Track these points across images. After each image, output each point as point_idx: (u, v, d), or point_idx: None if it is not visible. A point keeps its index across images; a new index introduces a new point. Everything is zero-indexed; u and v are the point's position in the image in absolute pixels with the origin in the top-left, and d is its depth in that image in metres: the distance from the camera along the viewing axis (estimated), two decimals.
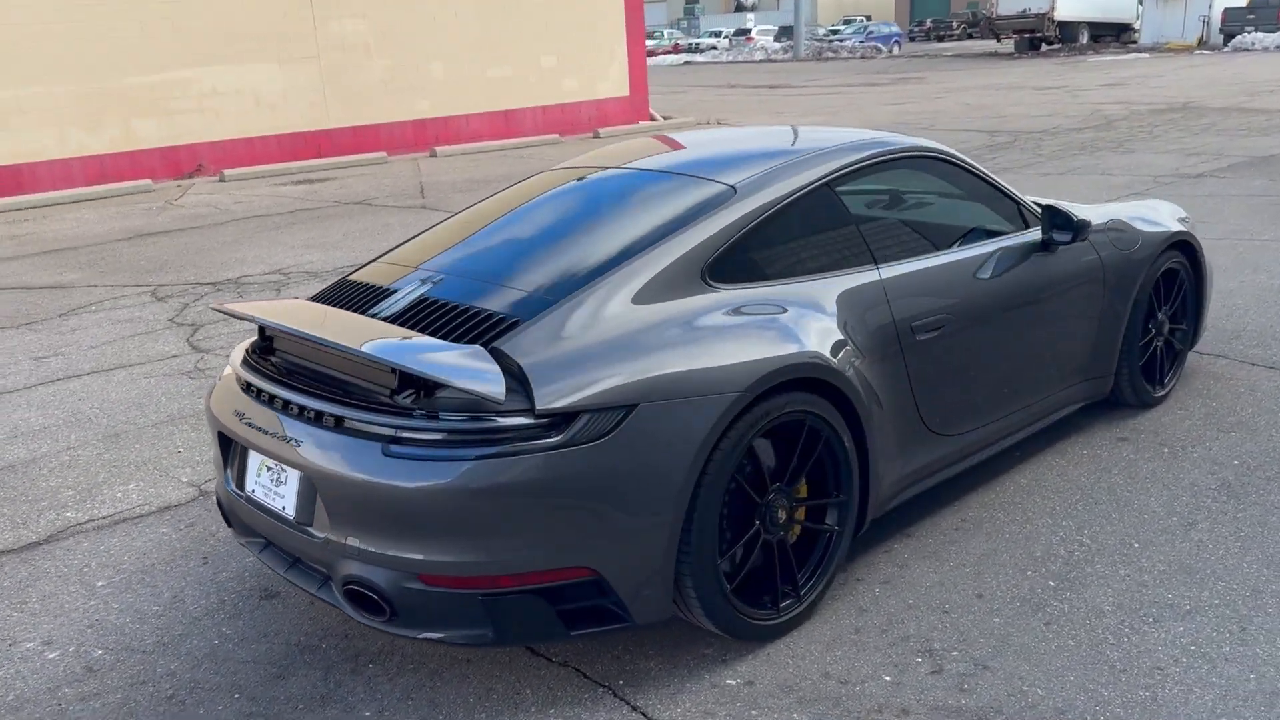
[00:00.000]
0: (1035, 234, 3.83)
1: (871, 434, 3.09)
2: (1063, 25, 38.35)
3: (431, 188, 12.65)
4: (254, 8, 14.17)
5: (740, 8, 74.42)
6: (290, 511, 2.71)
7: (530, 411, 2.49)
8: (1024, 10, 38.03)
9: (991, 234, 3.78)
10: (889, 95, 23.80)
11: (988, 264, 3.61)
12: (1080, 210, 4.29)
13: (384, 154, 15.20)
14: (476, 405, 2.50)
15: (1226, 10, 35.87)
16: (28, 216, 11.86)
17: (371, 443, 2.52)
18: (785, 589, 2.97)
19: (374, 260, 3.42)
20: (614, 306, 2.77)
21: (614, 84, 18.26)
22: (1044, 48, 39.16)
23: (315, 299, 3.18)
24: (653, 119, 18.93)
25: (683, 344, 2.73)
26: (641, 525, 2.57)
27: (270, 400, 2.80)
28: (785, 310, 2.96)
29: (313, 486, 2.62)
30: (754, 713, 2.63)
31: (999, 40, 41.71)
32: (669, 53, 49.17)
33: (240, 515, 2.96)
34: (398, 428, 2.51)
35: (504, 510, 2.47)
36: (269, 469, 2.79)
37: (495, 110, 16.55)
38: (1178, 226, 4.41)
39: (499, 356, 2.58)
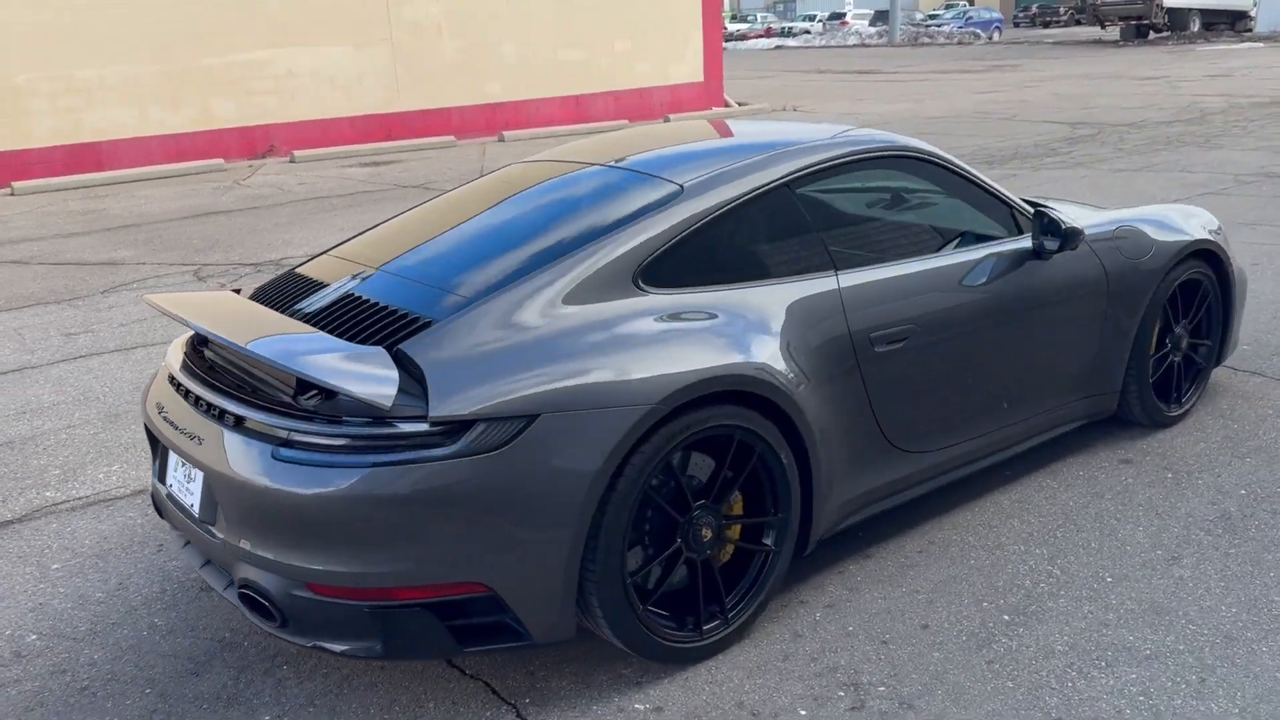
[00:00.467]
0: (1026, 240, 3.59)
1: (815, 450, 2.93)
2: (1172, 12, 36.68)
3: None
4: None
5: None
6: (197, 510, 2.68)
7: (425, 418, 2.41)
8: None
9: (981, 239, 3.56)
10: (978, 83, 23.10)
11: (966, 271, 3.40)
12: (1088, 215, 4.03)
13: (452, 138, 15.30)
14: (380, 410, 2.42)
15: None
16: (104, 193, 12.23)
17: (265, 444, 2.47)
18: (711, 610, 2.84)
19: (323, 252, 3.37)
20: (538, 308, 2.67)
21: (688, 69, 18.06)
22: (1151, 35, 37.54)
23: (256, 291, 3.15)
24: (726, 105, 18.68)
25: (599, 351, 2.61)
26: (540, 541, 2.47)
27: (186, 395, 2.78)
28: (718, 318, 2.81)
29: (212, 486, 2.59)
30: None
31: (1103, 27, 40.14)
32: (761, 36, 48.56)
33: (165, 509, 2.95)
34: (290, 430, 2.45)
35: (394, 521, 2.39)
36: (183, 465, 2.76)
37: (566, 95, 16.51)
38: (1201, 234, 4.10)
39: (402, 359, 2.50)
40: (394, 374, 2.42)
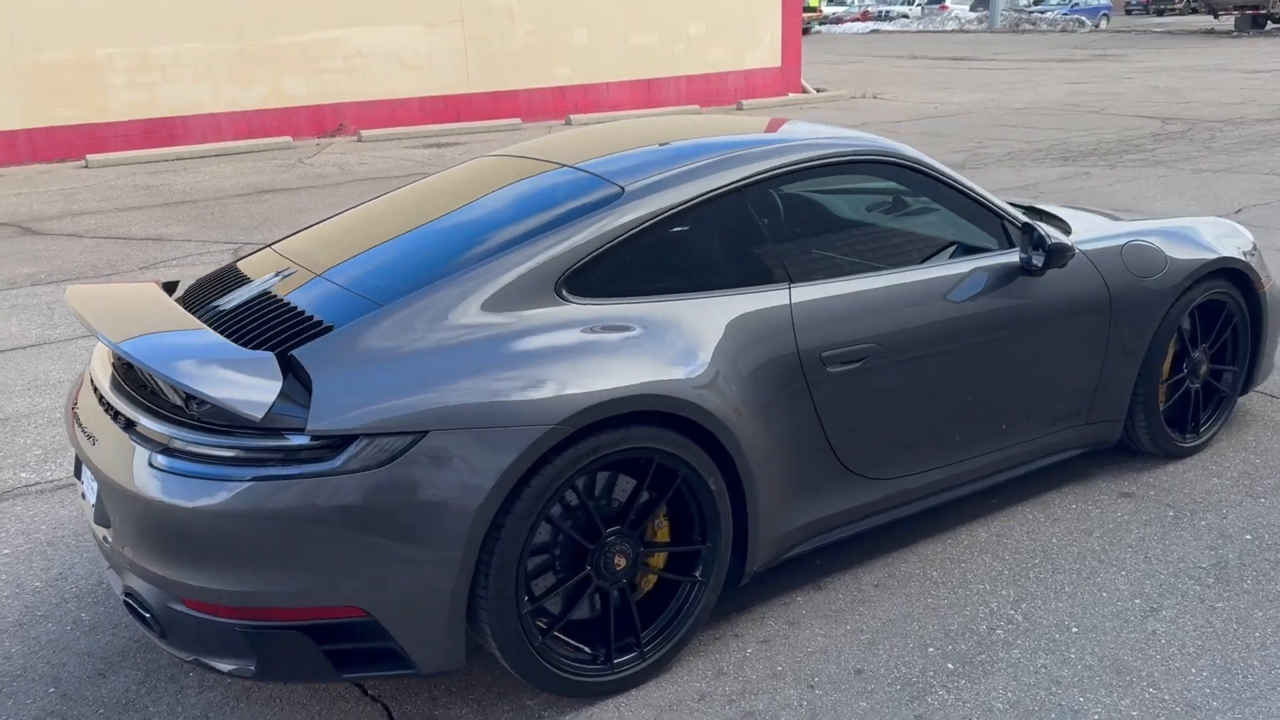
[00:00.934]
0: (1014, 255, 3.32)
1: (751, 477, 2.74)
2: None
3: None
4: None
5: None
6: (93, 513, 2.62)
7: (304, 431, 2.29)
8: None
9: (970, 251, 3.31)
10: (1074, 73, 22.18)
11: (943, 286, 3.15)
12: (1103, 226, 3.73)
13: (519, 120, 15.25)
14: (274, 419, 2.31)
15: None
16: (172, 168, 12.48)
17: (146, 450, 2.38)
18: (627, 643, 2.68)
19: (265, 246, 3.28)
20: (450, 315, 2.52)
21: (765, 54, 17.70)
22: (1269, 26, 35.65)
23: (193, 285, 3.08)
24: (804, 91, 18.28)
25: (506, 365, 2.46)
26: (423, 567, 2.34)
27: (95, 393, 2.72)
28: (645, 332, 2.64)
29: (101, 489, 2.52)
30: None
31: (1216, 17, 38.24)
32: (856, 20, 47.51)
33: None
34: (171, 438, 2.36)
35: (268, 539, 2.28)
36: (86, 465, 2.70)
37: (637, 79, 16.32)
38: (1228, 252, 3.76)
39: (294, 365, 2.39)
40: (274, 383, 2.30)
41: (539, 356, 2.50)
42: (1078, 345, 3.45)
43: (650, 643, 2.70)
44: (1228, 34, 35.06)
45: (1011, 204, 3.94)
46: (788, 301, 2.89)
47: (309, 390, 2.34)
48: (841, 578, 3.16)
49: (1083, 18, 43.03)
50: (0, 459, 4.22)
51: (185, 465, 2.32)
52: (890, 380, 3.03)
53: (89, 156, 12.51)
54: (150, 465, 2.34)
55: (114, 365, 2.77)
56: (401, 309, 2.53)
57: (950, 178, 3.31)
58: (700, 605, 2.76)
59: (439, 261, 2.73)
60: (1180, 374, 3.80)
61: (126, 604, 2.51)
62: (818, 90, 18.67)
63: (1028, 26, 43.03)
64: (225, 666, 2.40)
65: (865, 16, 48.37)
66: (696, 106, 16.63)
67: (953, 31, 43.49)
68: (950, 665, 2.73)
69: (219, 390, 2.25)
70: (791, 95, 18.01)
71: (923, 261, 3.24)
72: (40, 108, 12.52)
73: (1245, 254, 3.83)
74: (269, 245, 3.27)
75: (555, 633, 2.59)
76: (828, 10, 48.10)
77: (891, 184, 3.37)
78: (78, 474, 2.87)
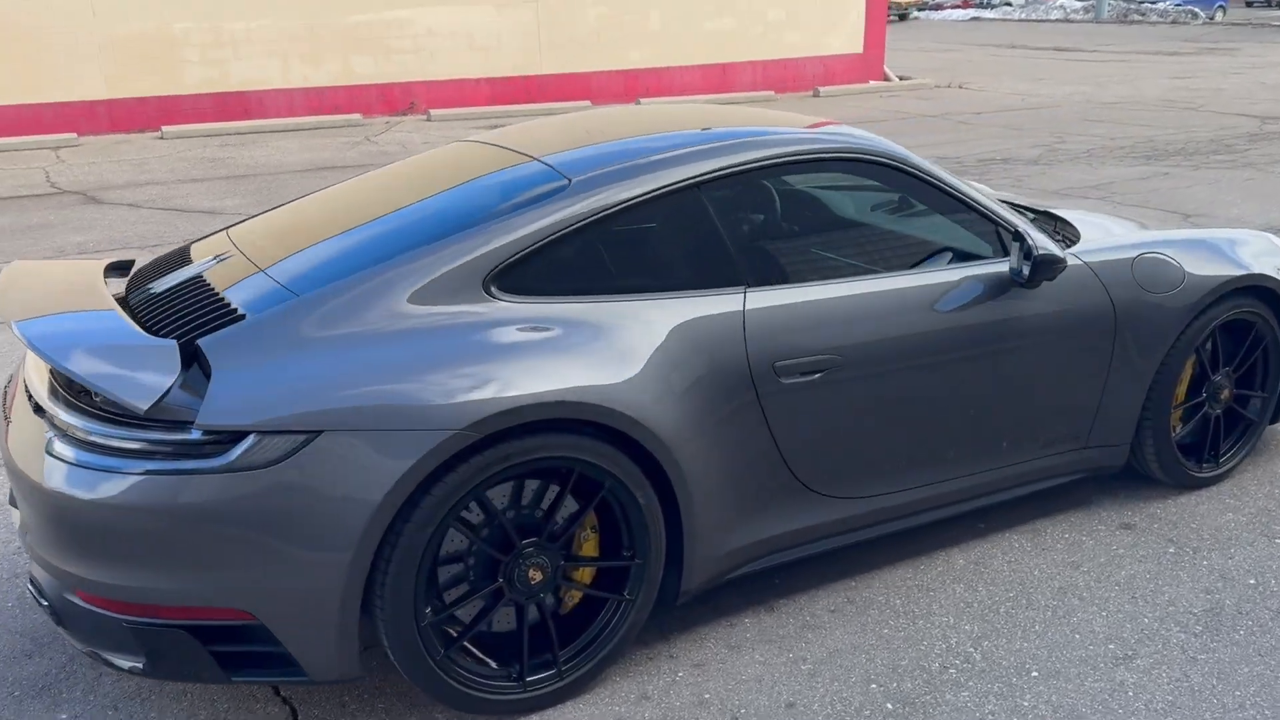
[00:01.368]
0: (1003, 264, 3.08)
1: (687, 491, 2.58)
2: None
3: None
4: None
5: None
6: (8, 493, 2.58)
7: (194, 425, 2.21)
8: None
9: (959, 258, 3.08)
10: (1179, 67, 21.19)
11: (920, 296, 2.94)
12: (1124, 235, 3.45)
13: (588, 103, 15.13)
14: (173, 411, 2.24)
15: None
16: (241, 141, 12.68)
17: (47, 437, 2.33)
18: (545, 660, 2.55)
19: (222, 229, 3.22)
20: (367, 309, 2.41)
21: (845, 39, 17.25)
22: None
23: (144, 266, 3.03)
24: (886, 79, 17.79)
25: (418, 363, 2.34)
26: (313, 572, 2.24)
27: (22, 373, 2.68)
28: (573, 335, 2.49)
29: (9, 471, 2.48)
30: None
31: None
32: (957, 7, 46.24)
33: None
34: (70, 426, 2.30)
35: (156, 535, 2.21)
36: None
37: (710, 64, 16.04)
38: (1260, 268, 3.45)
39: (199, 356, 2.31)
40: (167, 375, 2.22)
41: (455, 356, 2.37)
42: (1077, 364, 3.20)
43: (569, 661, 2.56)
44: None
45: (1021, 207, 3.69)
46: (741, 307, 2.71)
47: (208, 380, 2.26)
48: (797, 600, 2.99)
49: (1196, 9, 41.18)
50: None
51: (82, 455, 2.25)
52: (856, 394, 2.83)
53: (164, 128, 12.78)
54: (49, 453, 2.28)
55: None
56: (319, 300, 2.43)
57: (941, 180, 3.09)
58: (627, 625, 2.62)
59: (372, 252, 2.61)
60: (1199, 398, 3.51)
61: (30, 591, 2.47)
62: (900, 79, 18.15)
63: (1136, 17, 41.38)
64: (119, 661, 2.34)
65: (966, 3, 47.09)
66: (771, 93, 16.31)
67: (1057, 21, 42.05)
68: (890, 705, 2.54)
69: (107, 378, 2.18)
70: (872, 83, 17.54)
71: (903, 268, 3.03)
72: (120, 79, 12.81)
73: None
74: (226, 229, 3.20)
75: (467, 646, 2.48)
76: None
77: (881, 187, 3.16)
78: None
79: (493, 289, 2.52)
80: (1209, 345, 3.47)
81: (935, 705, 2.54)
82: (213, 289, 2.59)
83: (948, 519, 3.23)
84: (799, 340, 2.74)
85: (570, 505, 2.54)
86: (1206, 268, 3.37)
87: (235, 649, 2.31)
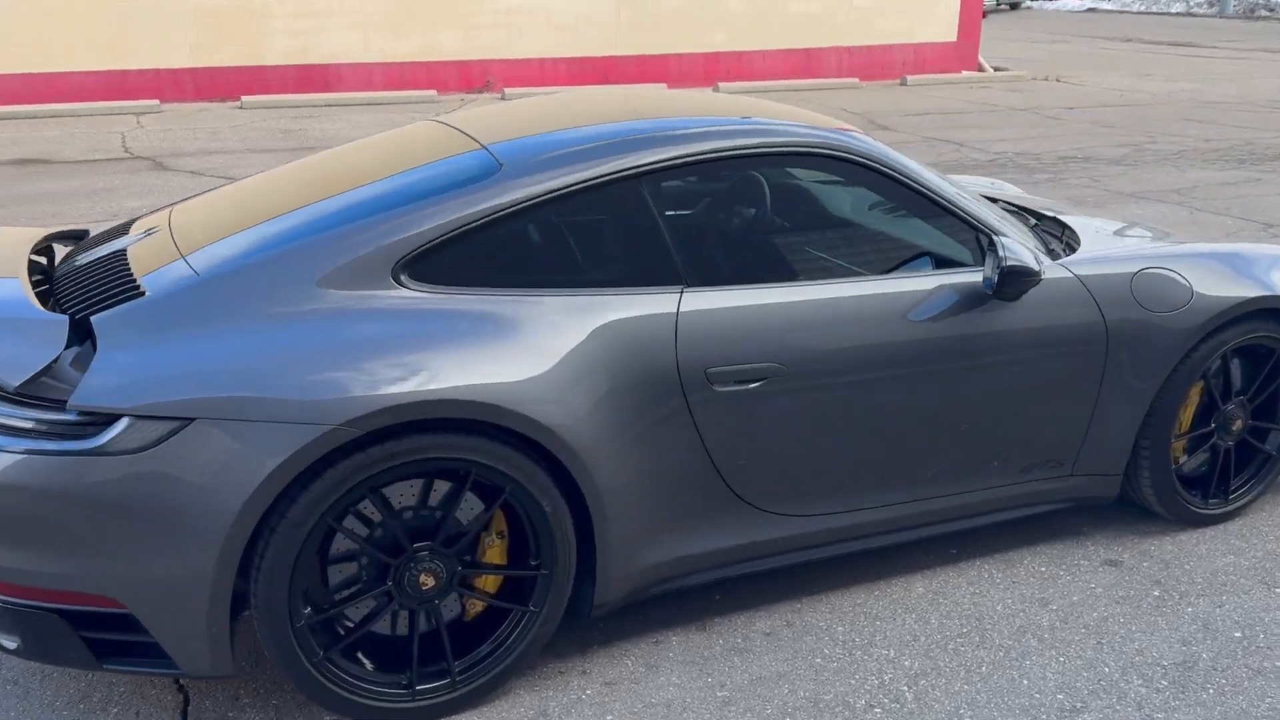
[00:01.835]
0: (977, 274, 2.84)
1: (600, 500, 2.44)
2: None
3: None
4: None
5: None
6: None
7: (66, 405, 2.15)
8: None
9: (937, 265, 2.86)
10: None
11: (881, 306, 2.73)
12: (1134, 246, 3.19)
13: (664, 85, 14.94)
14: (57, 389, 2.19)
15: None
16: (317, 114, 12.84)
17: None
18: (439, 669, 2.44)
19: (178, 202, 3.17)
20: (270, 292, 2.32)
21: (939, 27, 16.68)
22: None
23: (88, 239, 3.00)
24: (980, 69, 17.17)
25: (306, 352, 2.24)
26: (181, 564, 2.17)
27: None
28: (479, 329, 2.36)
29: None
30: None
31: None
32: None
33: None
34: None
35: (28, 515, 2.16)
36: None
37: (794, 48, 15.68)
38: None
39: (90, 333, 2.25)
40: (51, 349, 2.17)
41: (349, 347, 2.27)
42: (1060, 385, 2.94)
43: (465, 672, 2.45)
44: None
45: (1027, 211, 3.43)
46: (675, 309, 2.54)
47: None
48: (733, 620, 2.82)
49: None
50: None
51: None
52: (802, 406, 2.65)
53: (244, 98, 13.02)
54: None
55: None
56: (217, 280, 2.35)
57: (920, 181, 2.85)
58: (530, 637, 2.49)
59: (294, 234, 2.52)
60: (1207, 428, 3.21)
61: None
62: (995, 69, 17.50)
63: (1264, 13, 39.27)
64: (3, 640, 2.31)
65: None
66: (856, 80, 15.88)
67: (1178, 15, 40.18)
68: None
69: None
70: (965, 73, 16.94)
71: (870, 274, 2.82)
72: (204, 48, 13.09)
73: None
74: (173, 204, 3.15)
75: (353, 650, 2.39)
76: None
77: (863, 189, 2.94)
78: None
79: (402, 277, 2.41)
80: (1220, 371, 3.17)
81: None
82: (127, 266, 2.53)
83: (917, 541, 3.02)
84: (737, 347, 2.57)
85: (473, 510, 2.42)
86: (1219, 287, 3.07)
87: (107, 636, 2.25)
